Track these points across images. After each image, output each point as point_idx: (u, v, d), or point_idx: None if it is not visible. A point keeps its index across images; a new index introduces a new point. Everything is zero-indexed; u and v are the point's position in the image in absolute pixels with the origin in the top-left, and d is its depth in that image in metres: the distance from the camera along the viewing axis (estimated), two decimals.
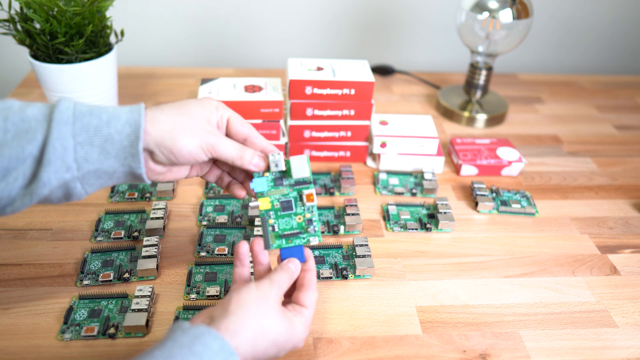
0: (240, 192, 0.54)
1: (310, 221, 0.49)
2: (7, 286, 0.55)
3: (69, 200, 0.44)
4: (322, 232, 0.65)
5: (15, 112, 0.41)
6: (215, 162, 0.54)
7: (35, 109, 0.42)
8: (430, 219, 0.68)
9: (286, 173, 0.50)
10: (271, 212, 0.49)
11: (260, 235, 0.59)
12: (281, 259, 0.49)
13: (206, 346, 0.37)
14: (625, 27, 1.15)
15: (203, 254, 0.60)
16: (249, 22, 1.07)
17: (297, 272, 0.47)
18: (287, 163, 0.50)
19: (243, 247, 0.48)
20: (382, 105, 0.96)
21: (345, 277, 0.59)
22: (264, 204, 0.49)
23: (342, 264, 0.60)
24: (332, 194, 0.71)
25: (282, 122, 0.74)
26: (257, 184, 0.49)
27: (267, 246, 0.49)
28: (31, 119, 0.41)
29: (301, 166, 0.49)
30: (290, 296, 0.48)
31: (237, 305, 0.41)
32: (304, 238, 0.49)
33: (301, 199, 0.50)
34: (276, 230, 0.49)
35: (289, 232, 0.49)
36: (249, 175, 0.54)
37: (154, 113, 0.45)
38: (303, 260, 0.49)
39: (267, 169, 0.50)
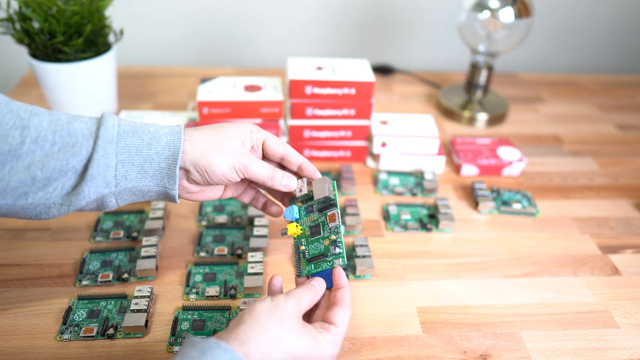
0: (276, 210, 0.55)
1: (334, 242, 0.48)
2: (6, 287, 0.55)
3: (100, 210, 0.46)
4: None
5: (63, 125, 0.43)
6: (250, 183, 0.55)
7: (82, 124, 0.44)
8: (431, 219, 0.68)
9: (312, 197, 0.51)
10: (303, 240, 0.50)
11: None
12: None
13: (215, 359, 0.37)
14: (626, 26, 1.14)
15: (202, 254, 0.60)
16: (249, 21, 1.07)
17: (321, 290, 0.46)
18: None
19: (277, 280, 0.48)
20: (383, 105, 0.96)
21: None
22: (291, 229, 0.50)
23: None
24: None
25: (282, 122, 0.74)
26: (287, 213, 0.51)
27: (298, 273, 0.49)
28: (78, 134, 0.43)
29: (321, 188, 0.50)
30: (313, 317, 0.47)
31: (249, 315, 0.41)
32: (330, 262, 0.48)
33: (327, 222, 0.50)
34: (306, 256, 0.49)
35: (316, 256, 0.48)
36: (286, 194, 0.54)
37: (192, 133, 0.47)
38: (330, 285, 0.47)
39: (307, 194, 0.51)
